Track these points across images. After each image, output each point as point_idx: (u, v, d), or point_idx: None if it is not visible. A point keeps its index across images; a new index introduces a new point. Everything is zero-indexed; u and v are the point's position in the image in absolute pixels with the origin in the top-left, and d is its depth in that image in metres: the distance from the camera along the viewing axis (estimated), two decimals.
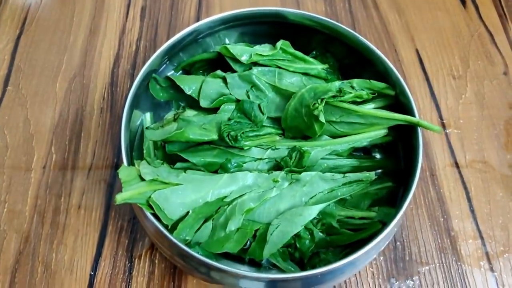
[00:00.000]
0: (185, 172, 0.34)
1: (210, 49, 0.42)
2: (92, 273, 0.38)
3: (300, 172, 0.35)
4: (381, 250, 0.34)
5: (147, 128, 0.39)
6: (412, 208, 0.42)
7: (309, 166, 0.36)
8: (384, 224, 0.32)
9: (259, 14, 0.40)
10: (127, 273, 0.38)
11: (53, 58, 0.49)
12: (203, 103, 0.38)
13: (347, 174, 0.35)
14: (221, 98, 0.38)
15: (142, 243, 0.40)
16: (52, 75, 0.48)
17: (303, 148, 0.36)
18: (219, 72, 0.39)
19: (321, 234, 0.35)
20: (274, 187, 0.35)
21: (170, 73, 0.41)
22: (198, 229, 0.33)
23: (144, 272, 0.38)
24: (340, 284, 0.38)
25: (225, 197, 0.34)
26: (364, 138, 0.37)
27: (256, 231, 0.34)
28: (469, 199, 0.42)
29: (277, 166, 0.37)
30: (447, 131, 0.46)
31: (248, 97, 0.38)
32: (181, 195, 0.33)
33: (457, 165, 0.44)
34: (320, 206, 0.34)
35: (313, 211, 0.34)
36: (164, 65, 0.41)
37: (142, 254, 0.39)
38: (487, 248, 0.40)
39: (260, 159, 0.36)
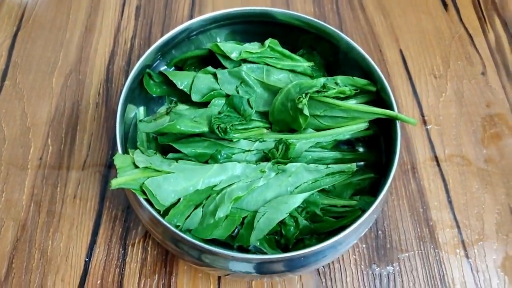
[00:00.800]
0: (177, 161, 0.36)
1: (202, 46, 0.44)
2: (87, 259, 0.40)
3: (286, 163, 0.37)
4: (361, 235, 0.36)
5: (140, 121, 0.40)
6: (394, 199, 0.44)
7: (294, 157, 0.38)
8: (364, 211, 0.34)
9: (249, 13, 0.42)
10: (120, 260, 0.40)
11: (49, 54, 0.51)
12: (195, 98, 0.40)
13: (330, 166, 0.38)
14: (212, 93, 0.40)
15: (135, 231, 0.41)
16: (49, 70, 0.50)
17: (288, 141, 0.38)
18: (210, 68, 0.41)
19: (305, 221, 0.37)
20: (261, 177, 0.37)
21: (163, 69, 0.43)
22: (188, 216, 0.35)
23: (137, 258, 0.40)
24: (325, 269, 0.40)
25: (215, 185, 0.36)
26: (347, 131, 0.39)
27: (244, 218, 0.36)
28: (447, 191, 0.45)
29: (265, 157, 0.39)
30: (428, 127, 0.49)
31: (238, 92, 0.40)
32: (173, 182, 0.35)
33: (436, 159, 0.47)
34: (305, 195, 0.36)
35: (298, 200, 0.36)
36: (158, 62, 0.43)
37: (135, 242, 0.41)
38: (463, 236, 0.42)
39: (249, 150, 0.38)
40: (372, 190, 0.39)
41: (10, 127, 0.46)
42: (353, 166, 0.38)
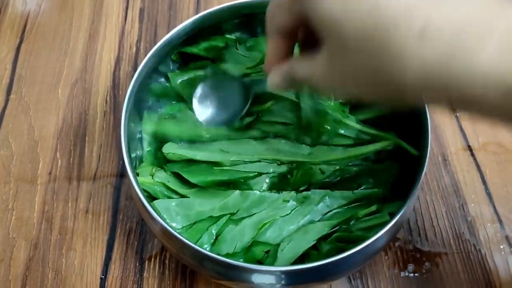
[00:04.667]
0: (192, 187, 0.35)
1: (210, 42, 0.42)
2: (103, 276, 0.38)
3: (308, 189, 0.35)
4: (393, 237, 0.33)
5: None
6: (426, 195, 0.41)
7: (315, 180, 0.36)
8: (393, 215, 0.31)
9: (258, 4, 0.40)
10: (138, 275, 0.38)
11: (54, 65, 0.49)
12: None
13: (355, 191, 0.35)
14: None
15: (151, 244, 0.39)
16: (54, 81, 0.48)
17: (305, 166, 0.36)
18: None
19: (328, 245, 0.34)
20: (284, 207, 0.35)
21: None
22: (200, 238, 0.34)
23: (155, 273, 0.38)
24: (355, 274, 0.37)
25: (233, 214, 0.34)
26: (370, 149, 0.37)
27: (266, 252, 0.34)
28: (484, 183, 0.41)
29: (284, 181, 0.36)
30: (458, 114, 0.45)
31: None
32: (186, 206, 0.34)
33: (470, 148, 0.43)
34: (332, 223, 0.34)
35: (325, 227, 0.34)
36: (167, 63, 0.41)
37: (152, 255, 0.39)
38: (506, 231, 0.39)
39: (266, 173, 0.36)
40: (398, 180, 0.36)
41: (17, 142, 0.44)
42: (380, 191, 0.35)
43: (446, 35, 0.18)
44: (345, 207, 0.35)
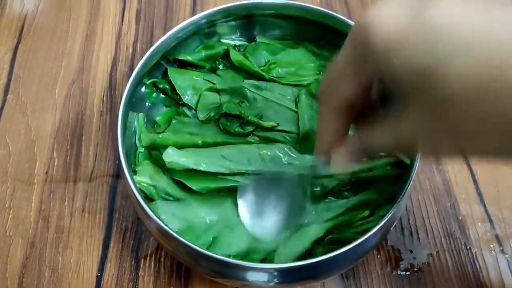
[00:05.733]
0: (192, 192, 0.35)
1: (206, 43, 0.42)
2: (99, 274, 0.38)
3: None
4: (385, 236, 0.33)
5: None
6: (418, 194, 0.41)
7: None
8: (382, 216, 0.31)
9: (253, 6, 0.40)
10: (133, 273, 0.38)
11: (51, 65, 0.49)
12: (201, 116, 0.40)
13: (351, 198, 0.36)
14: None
15: (147, 243, 0.40)
16: (51, 81, 0.48)
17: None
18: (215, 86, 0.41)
19: (322, 249, 0.34)
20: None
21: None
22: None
23: (151, 271, 0.38)
24: (348, 273, 0.38)
25: (229, 222, 0.34)
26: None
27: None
28: (475, 182, 0.42)
29: None
30: None
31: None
32: (184, 210, 0.34)
33: None
34: (327, 225, 0.34)
35: (320, 231, 0.34)
36: (160, 66, 0.41)
37: (148, 254, 0.39)
38: (496, 230, 0.39)
39: None
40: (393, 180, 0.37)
41: (14, 142, 0.45)
42: (375, 196, 0.35)
43: None
44: (341, 216, 0.36)
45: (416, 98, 0.18)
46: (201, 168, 0.35)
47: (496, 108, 0.16)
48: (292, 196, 0.33)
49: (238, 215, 0.34)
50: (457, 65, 0.16)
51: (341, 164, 0.25)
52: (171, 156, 0.35)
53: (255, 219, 0.33)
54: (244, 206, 0.33)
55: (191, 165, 0.35)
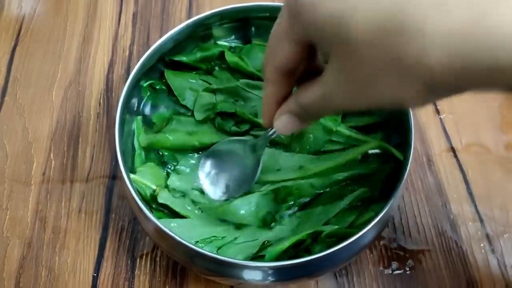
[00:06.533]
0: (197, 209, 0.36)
1: (202, 46, 0.43)
2: (95, 274, 0.38)
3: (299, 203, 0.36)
4: (378, 235, 0.34)
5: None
6: (410, 194, 0.42)
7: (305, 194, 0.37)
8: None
9: (248, 9, 0.41)
10: (129, 273, 0.39)
11: (48, 67, 0.50)
12: (198, 117, 0.40)
13: (345, 198, 0.36)
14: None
15: (143, 242, 0.40)
16: (48, 84, 0.49)
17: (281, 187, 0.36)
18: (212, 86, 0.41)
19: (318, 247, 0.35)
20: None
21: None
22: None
23: (146, 270, 0.39)
24: (341, 271, 0.38)
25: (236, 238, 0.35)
26: (357, 153, 0.38)
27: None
28: (466, 182, 0.42)
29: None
30: (442, 116, 0.46)
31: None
32: (188, 228, 0.35)
33: (453, 149, 0.44)
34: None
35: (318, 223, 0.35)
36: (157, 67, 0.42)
37: (144, 253, 0.40)
38: (487, 229, 0.40)
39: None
40: (387, 181, 0.37)
41: (12, 143, 0.45)
42: (367, 191, 0.36)
43: None
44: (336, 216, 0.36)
45: (333, 50, 0.20)
46: (192, 217, 0.36)
47: (392, 52, 0.17)
48: (244, 163, 0.36)
49: (241, 235, 0.35)
50: (361, 10, 0.18)
51: (284, 127, 0.26)
52: (165, 199, 0.37)
53: (214, 186, 0.37)
54: (204, 177, 0.37)
55: (183, 212, 0.37)
